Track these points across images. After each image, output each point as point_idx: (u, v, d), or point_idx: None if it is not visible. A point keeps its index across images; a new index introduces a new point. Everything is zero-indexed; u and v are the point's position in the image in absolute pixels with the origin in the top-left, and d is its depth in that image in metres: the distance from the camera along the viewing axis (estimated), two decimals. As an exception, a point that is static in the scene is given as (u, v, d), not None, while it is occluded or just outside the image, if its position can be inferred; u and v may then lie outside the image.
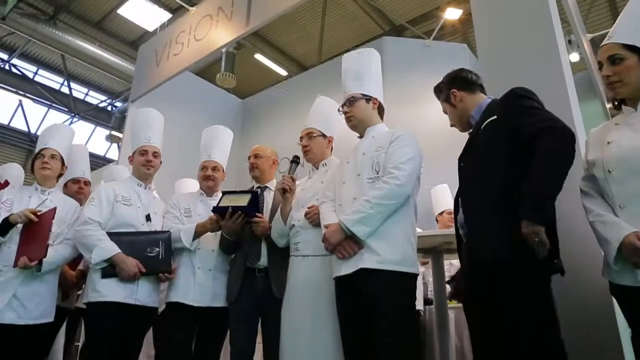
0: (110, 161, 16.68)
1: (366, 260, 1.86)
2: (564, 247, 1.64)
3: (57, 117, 14.97)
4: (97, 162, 16.48)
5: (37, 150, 2.57)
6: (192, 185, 3.84)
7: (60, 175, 2.71)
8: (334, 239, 1.91)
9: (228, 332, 2.56)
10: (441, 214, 4.31)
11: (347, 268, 1.91)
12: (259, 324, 2.55)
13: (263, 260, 2.52)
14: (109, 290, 2.35)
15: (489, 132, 1.79)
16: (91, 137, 16.15)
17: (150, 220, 2.60)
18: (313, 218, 2.24)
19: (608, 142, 1.60)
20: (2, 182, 2.85)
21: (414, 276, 1.92)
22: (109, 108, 15.24)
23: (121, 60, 10.47)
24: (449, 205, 4.35)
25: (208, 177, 2.80)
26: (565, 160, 1.55)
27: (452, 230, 2.02)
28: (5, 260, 2.24)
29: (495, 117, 1.80)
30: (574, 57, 5.68)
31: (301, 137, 2.60)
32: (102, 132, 16.14)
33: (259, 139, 6.36)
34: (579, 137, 2.12)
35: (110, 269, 2.36)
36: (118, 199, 2.54)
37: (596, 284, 1.71)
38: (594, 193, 1.63)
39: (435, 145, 5.07)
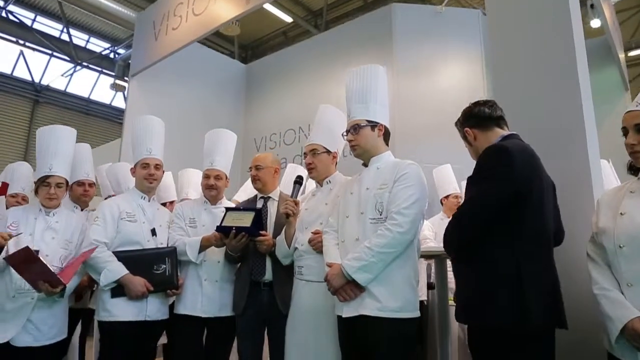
0: (116, 109, 16.58)
1: (367, 307, 1.88)
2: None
3: (59, 65, 14.71)
4: (104, 110, 16.41)
5: (41, 174, 2.47)
6: (196, 176, 3.81)
7: None
8: (336, 283, 1.92)
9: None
10: (447, 197, 4.27)
11: (348, 311, 1.93)
12: (265, 333, 2.65)
13: (268, 275, 2.56)
14: (119, 310, 2.42)
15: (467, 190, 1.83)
16: (95, 85, 15.94)
17: (156, 235, 2.62)
18: (317, 246, 2.25)
19: (621, 214, 1.55)
20: (0, 185, 2.83)
21: (415, 319, 1.95)
22: (112, 55, 14.87)
23: (121, 7, 10.08)
24: (454, 188, 4.31)
25: (211, 187, 2.78)
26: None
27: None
28: (18, 287, 2.29)
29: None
30: (596, 23, 5.36)
31: (305, 154, 2.54)
32: (106, 80, 15.91)
33: (264, 106, 6.26)
34: (586, 107, 2.09)
35: (119, 289, 2.42)
36: (122, 215, 2.54)
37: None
38: (602, 262, 1.60)
39: (444, 118, 4.92)
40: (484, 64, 4.91)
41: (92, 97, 16.10)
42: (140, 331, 2.46)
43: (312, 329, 2.21)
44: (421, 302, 3.51)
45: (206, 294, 2.62)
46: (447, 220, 4.28)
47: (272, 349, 2.55)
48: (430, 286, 3.92)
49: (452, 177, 4.31)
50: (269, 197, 2.77)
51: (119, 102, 16.69)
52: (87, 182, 3.18)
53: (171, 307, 2.68)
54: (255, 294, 2.56)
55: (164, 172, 2.78)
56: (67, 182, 2.57)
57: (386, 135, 2.21)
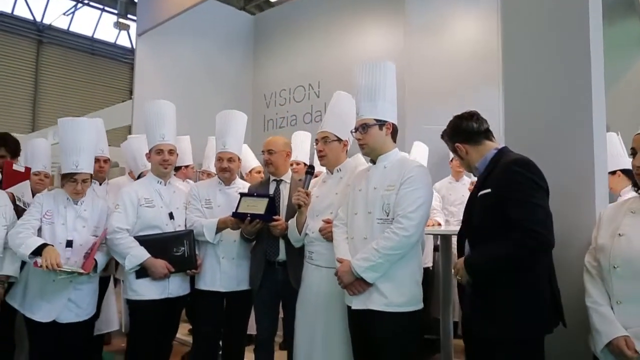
0: (122, 48, 16.28)
1: (375, 302, 2.02)
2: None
3: (60, 3, 14.27)
4: (110, 50, 16.12)
5: (68, 171, 2.53)
6: None
7: None
8: (346, 279, 2.06)
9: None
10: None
11: (357, 303, 2.07)
12: (280, 305, 2.87)
13: (281, 255, 2.71)
14: (144, 290, 2.61)
15: (482, 205, 1.84)
16: (99, 24, 15.54)
17: (174, 218, 2.75)
18: (327, 235, 2.36)
19: (620, 235, 1.62)
20: (23, 170, 2.91)
21: (419, 311, 2.10)
22: (113, -8, 14.39)
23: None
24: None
25: (225, 170, 2.87)
26: (515, 254, 1.70)
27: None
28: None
29: (489, 190, 1.81)
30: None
31: (316, 140, 2.58)
32: (109, 18, 15.49)
33: (273, 61, 6.16)
34: (595, 70, 2.06)
35: (143, 270, 2.59)
36: (141, 202, 2.66)
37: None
38: (596, 276, 1.69)
39: (455, 78, 4.87)
40: (499, 19, 4.72)
41: (96, 36, 15.77)
42: (164, 307, 2.67)
43: (321, 311, 2.36)
44: (426, 268, 3.71)
45: (224, 271, 2.80)
46: (455, 184, 4.39)
47: (286, 320, 2.77)
48: (436, 248, 4.08)
49: None
50: (281, 180, 2.85)
51: (123, 40, 16.37)
52: (102, 159, 3.25)
53: (193, 280, 2.87)
54: (270, 272, 2.73)
55: (177, 154, 2.85)
56: (91, 175, 2.66)
57: (394, 132, 2.23)
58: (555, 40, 2.18)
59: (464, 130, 1.98)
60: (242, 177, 3.46)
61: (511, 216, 1.71)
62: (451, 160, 4.35)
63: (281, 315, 2.90)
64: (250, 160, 4.33)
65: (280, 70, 5.98)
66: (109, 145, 3.47)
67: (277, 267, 2.72)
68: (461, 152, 2.00)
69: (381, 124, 2.18)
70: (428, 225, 3.15)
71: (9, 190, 2.71)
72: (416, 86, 4.82)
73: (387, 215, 2.06)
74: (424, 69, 4.88)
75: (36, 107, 13.95)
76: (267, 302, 2.78)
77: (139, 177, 3.45)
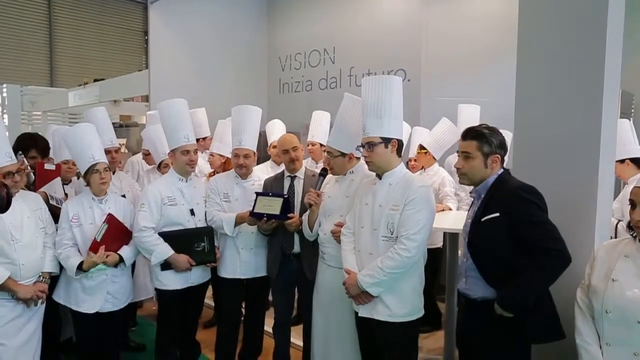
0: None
1: (379, 313, 2.20)
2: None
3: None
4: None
5: (87, 165, 2.68)
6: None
7: None
8: (353, 291, 2.23)
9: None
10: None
11: (363, 311, 2.26)
12: (295, 290, 3.12)
13: (296, 248, 2.91)
14: (169, 281, 2.86)
15: (490, 228, 1.94)
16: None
17: (194, 215, 2.92)
18: (338, 238, 2.50)
19: (613, 280, 1.69)
20: (54, 168, 3.06)
21: (420, 319, 2.27)
22: None
23: None
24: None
25: (241, 166, 2.99)
26: (550, 279, 1.84)
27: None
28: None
29: (497, 214, 1.91)
30: None
31: (327, 152, 2.65)
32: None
33: (288, 23, 6.03)
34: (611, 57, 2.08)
35: (168, 264, 2.81)
36: (165, 201, 2.83)
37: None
38: (588, 315, 1.79)
39: (474, 49, 4.74)
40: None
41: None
42: (187, 295, 2.92)
43: (334, 306, 2.54)
44: (437, 248, 3.87)
45: (243, 260, 3.01)
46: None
47: (301, 300, 3.04)
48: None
49: (476, 119, 4.26)
50: (295, 177, 2.97)
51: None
52: (113, 150, 3.35)
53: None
54: (286, 263, 2.94)
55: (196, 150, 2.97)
56: (108, 165, 2.83)
57: (399, 148, 2.29)
58: (573, 24, 2.16)
59: (505, 146, 2.05)
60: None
61: (527, 236, 1.85)
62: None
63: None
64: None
65: (295, 33, 5.87)
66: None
67: (292, 258, 2.93)
68: (495, 163, 2.03)
69: (387, 141, 2.24)
70: (438, 210, 3.25)
71: (42, 189, 2.89)
72: (433, 59, 4.73)
73: (392, 234, 2.18)
74: (441, 42, 4.76)
75: (52, 55, 13.91)
76: (284, 290, 3.03)
77: (160, 165, 3.58)
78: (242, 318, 3.23)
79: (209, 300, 4.01)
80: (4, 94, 9.67)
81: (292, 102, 5.97)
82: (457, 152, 2.11)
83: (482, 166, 2.03)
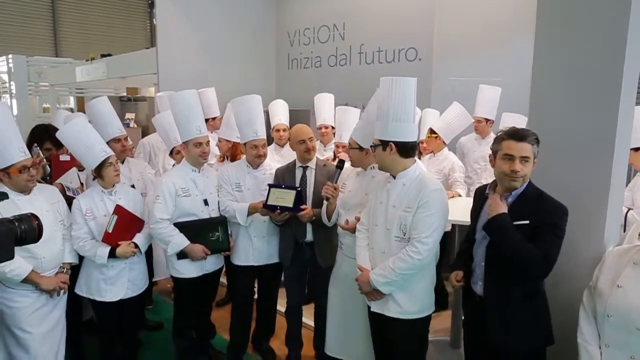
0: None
1: (390, 310, 2.27)
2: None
3: None
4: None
5: (100, 160, 2.69)
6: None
7: None
8: (365, 288, 2.30)
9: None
10: (480, 121, 4.25)
11: (375, 307, 2.33)
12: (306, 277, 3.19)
13: (309, 237, 2.98)
14: (184, 269, 2.94)
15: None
16: None
17: (208, 205, 2.97)
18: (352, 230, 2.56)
19: (618, 286, 1.74)
20: (69, 159, 3.10)
21: (429, 315, 2.34)
22: None
23: None
24: (491, 113, 4.26)
25: (261, 156, 3.03)
26: (522, 261, 1.92)
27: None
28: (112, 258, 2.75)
29: (527, 222, 1.93)
30: None
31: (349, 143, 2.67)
32: None
33: (296, 0, 5.85)
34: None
35: (184, 253, 2.89)
36: (179, 193, 2.87)
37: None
38: (591, 315, 1.86)
39: (488, 30, 4.62)
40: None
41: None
42: (203, 282, 3.02)
43: (352, 295, 2.58)
44: (446, 232, 3.90)
45: (256, 248, 3.08)
46: (481, 141, 4.36)
47: (312, 288, 3.13)
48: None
49: (495, 101, 4.20)
50: (307, 167, 3.00)
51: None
52: (123, 137, 3.36)
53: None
54: (298, 251, 3.01)
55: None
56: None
57: (402, 150, 2.24)
58: (594, 6, 2.11)
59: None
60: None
61: (539, 243, 1.89)
62: (479, 122, 4.26)
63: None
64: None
65: (305, 8, 5.73)
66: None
67: (304, 246, 2.99)
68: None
69: (384, 144, 2.23)
70: (448, 197, 3.26)
71: (58, 181, 2.94)
72: (444, 34, 4.62)
73: (404, 235, 2.22)
74: (454, 20, 4.63)
75: (56, 24, 13.69)
76: (296, 277, 3.12)
77: (172, 152, 3.60)
78: (255, 298, 3.33)
79: (221, 278, 4.14)
80: (10, 64, 9.63)
81: (301, 79, 5.88)
82: (507, 155, 1.98)
83: (531, 170, 2.01)
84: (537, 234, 1.91)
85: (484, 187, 2.25)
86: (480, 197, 2.24)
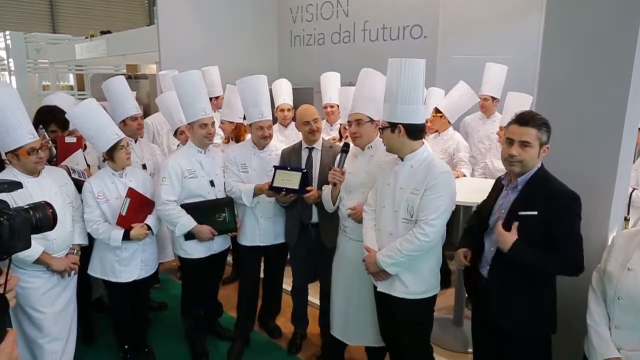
0: None
1: (396, 290, 2.30)
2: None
3: None
4: None
5: (111, 143, 2.69)
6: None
7: None
8: (372, 269, 2.33)
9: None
10: (487, 99, 4.22)
11: (381, 287, 2.36)
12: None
13: (314, 218, 3.00)
14: (192, 250, 2.98)
15: (526, 226, 1.94)
16: None
17: (214, 186, 2.98)
18: (357, 217, 2.57)
19: (629, 269, 1.75)
20: (75, 141, 3.09)
21: (435, 295, 2.38)
22: None
23: None
24: (497, 91, 4.23)
25: (267, 137, 3.02)
26: (552, 272, 1.97)
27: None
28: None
29: (535, 213, 1.92)
30: None
31: (349, 122, 2.64)
32: None
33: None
34: None
35: (191, 234, 2.91)
36: (185, 174, 2.88)
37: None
38: (600, 297, 1.88)
39: (494, 7, 4.55)
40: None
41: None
42: (210, 262, 3.05)
43: (355, 275, 2.64)
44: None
45: (262, 228, 3.11)
46: (486, 119, 4.34)
47: (318, 268, 3.15)
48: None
49: (502, 80, 4.15)
50: (313, 148, 2.99)
51: None
52: (139, 116, 3.35)
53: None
54: (304, 232, 3.04)
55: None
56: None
57: (411, 132, 2.23)
58: None
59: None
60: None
61: (559, 242, 1.88)
62: (486, 99, 4.23)
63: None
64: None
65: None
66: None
67: (310, 228, 3.02)
68: (540, 156, 1.98)
69: (393, 126, 2.23)
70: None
71: (64, 163, 2.94)
72: (450, 11, 4.55)
73: (411, 217, 2.23)
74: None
75: (53, 0, 13.46)
76: (302, 257, 3.15)
77: (176, 132, 3.59)
78: (262, 277, 3.38)
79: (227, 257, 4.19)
80: (8, 41, 9.52)
81: (304, 56, 5.81)
82: (508, 139, 1.98)
83: (536, 156, 1.97)
84: (553, 232, 1.88)
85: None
86: (497, 186, 2.23)
